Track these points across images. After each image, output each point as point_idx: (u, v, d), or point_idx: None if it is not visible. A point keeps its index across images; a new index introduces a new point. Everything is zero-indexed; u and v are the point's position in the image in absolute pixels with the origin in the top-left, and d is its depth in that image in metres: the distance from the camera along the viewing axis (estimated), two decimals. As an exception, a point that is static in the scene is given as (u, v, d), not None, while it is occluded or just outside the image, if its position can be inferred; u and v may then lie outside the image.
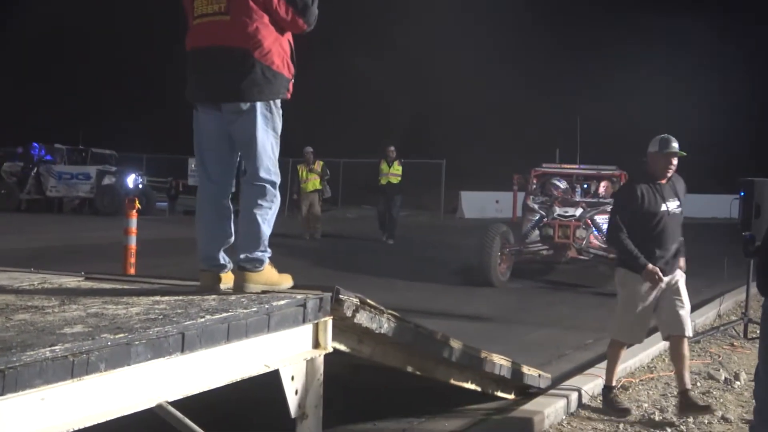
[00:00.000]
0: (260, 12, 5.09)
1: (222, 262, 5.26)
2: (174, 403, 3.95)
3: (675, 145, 7.05)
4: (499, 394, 7.23)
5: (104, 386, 3.51)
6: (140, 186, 31.04)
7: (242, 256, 5.06)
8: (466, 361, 6.45)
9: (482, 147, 42.52)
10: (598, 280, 15.19)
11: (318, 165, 22.05)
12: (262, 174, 5.11)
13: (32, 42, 51.43)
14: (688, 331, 7.13)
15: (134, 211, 10.73)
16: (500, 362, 6.86)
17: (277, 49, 5.16)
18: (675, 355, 7.19)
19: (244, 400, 5.75)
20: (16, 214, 27.90)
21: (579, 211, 15.02)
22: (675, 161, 7.09)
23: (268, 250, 5.18)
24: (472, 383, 6.86)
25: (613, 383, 7.36)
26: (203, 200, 5.32)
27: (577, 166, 18.23)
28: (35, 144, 31.02)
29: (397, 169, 21.71)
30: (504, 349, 7.90)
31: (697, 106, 41.54)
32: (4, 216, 26.22)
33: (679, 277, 7.18)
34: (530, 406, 6.95)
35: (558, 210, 15.05)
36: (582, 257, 14.75)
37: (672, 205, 7.08)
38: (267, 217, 5.15)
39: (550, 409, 6.84)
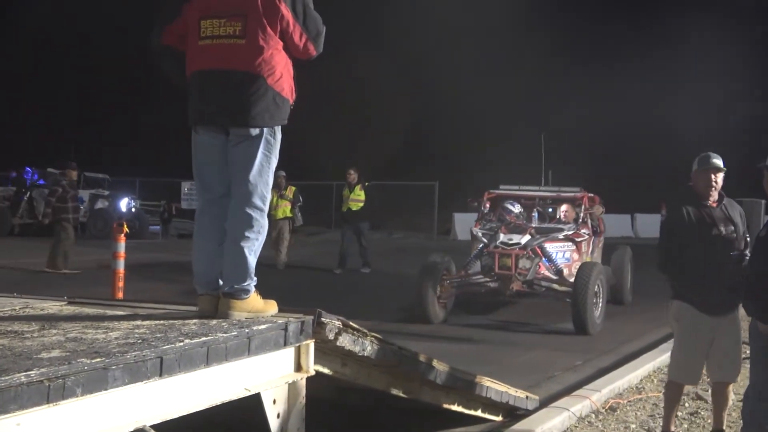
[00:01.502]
0: (276, 38, 5.10)
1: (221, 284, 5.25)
2: (156, 427, 3.96)
3: (716, 161, 6.57)
4: (486, 416, 7.22)
5: (81, 411, 3.51)
6: (133, 210, 30.99)
7: (227, 287, 5.04)
8: (452, 383, 6.44)
9: (478, 168, 42.49)
10: (552, 314, 13.51)
11: (290, 191, 20.56)
12: (255, 200, 5.09)
13: (24, 66, 51.50)
14: (737, 377, 6.84)
15: (122, 235, 10.72)
16: (487, 384, 6.85)
17: (286, 75, 5.20)
18: (719, 397, 6.84)
19: (227, 424, 5.74)
20: (8, 238, 27.83)
21: (526, 239, 13.12)
22: (716, 177, 6.57)
23: (254, 278, 5.17)
24: (458, 405, 6.85)
25: (671, 429, 6.91)
26: (203, 224, 5.28)
27: (537, 188, 16.46)
28: (28, 168, 30.97)
29: (358, 194, 19.90)
30: (492, 370, 7.90)
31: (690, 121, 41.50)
32: (-4, 241, 26.20)
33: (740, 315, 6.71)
34: (517, 428, 6.93)
35: (502, 237, 13.19)
36: (529, 290, 12.96)
37: (725, 230, 6.51)
38: (254, 248, 5.13)
39: (537, 431, 6.83)
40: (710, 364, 6.75)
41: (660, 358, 9.80)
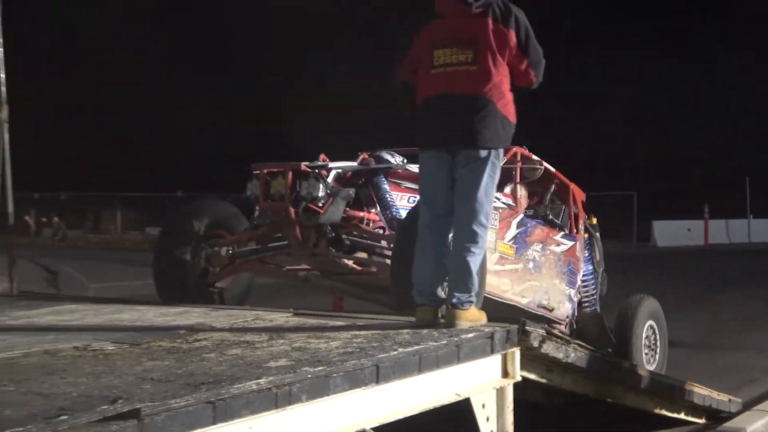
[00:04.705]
0: (504, 65, 5.15)
1: (441, 296, 5.24)
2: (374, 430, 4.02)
3: None
4: (689, 418, 6.97)
5: (306, 415, 3.59)
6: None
7: (455, 298, 5.05)
8: (654, 387, 6.28)
9: (674, 178, 40.86)
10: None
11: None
12: (481, 217, 5.11)
13: (255, 78, 52.05)
14: None
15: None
16: (689, 388, 6.64)
17: (511, 100, 5.23)
18: None
19: (438, 427, 5.73)
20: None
21: (348, 164, 6.92)
22: None
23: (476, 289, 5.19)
24: (661, 409, 6.64)
25: None
26: (428, 238, 5.28)
27: None
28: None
29: None
30: (692, 374, 7.59)
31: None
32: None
33: None
34: (723, 429, 6.65)
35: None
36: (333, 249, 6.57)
37: None
38: (478, 262, 5.14)
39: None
40: None
41: None
